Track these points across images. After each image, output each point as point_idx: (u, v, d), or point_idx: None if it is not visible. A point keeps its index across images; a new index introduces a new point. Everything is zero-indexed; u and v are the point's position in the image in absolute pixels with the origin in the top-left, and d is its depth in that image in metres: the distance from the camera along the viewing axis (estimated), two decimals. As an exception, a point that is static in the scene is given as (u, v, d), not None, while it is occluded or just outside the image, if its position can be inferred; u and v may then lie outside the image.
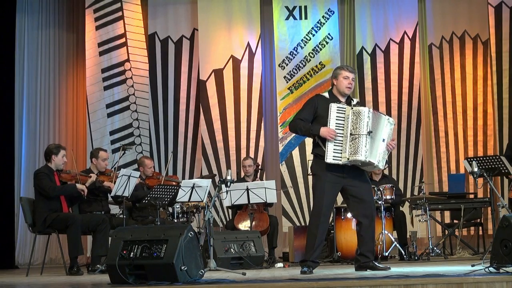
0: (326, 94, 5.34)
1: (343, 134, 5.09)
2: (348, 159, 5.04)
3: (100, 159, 6.92)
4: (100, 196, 6.88)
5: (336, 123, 5.10)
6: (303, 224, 8.94)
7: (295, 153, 9.24)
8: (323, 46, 9.36)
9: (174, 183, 7.39)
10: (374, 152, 5.09)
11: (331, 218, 6.99)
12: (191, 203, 7.34)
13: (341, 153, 5.07)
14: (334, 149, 5.08)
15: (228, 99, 9.38)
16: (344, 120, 5.09)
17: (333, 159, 5.08)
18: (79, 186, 6.55)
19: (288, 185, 8.99)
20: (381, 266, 5.26)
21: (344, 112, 5.11)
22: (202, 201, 7.08)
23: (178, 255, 4.19)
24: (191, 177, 9.20)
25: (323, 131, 5.10)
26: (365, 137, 5.02)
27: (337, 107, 5.13)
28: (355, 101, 5.31)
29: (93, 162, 6.97)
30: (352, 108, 5.11)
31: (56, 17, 9.73)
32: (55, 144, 6.91)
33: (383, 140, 5.14)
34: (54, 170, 6.58)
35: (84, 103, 9.50)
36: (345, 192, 5.27)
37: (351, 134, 5.05)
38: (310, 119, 5.22)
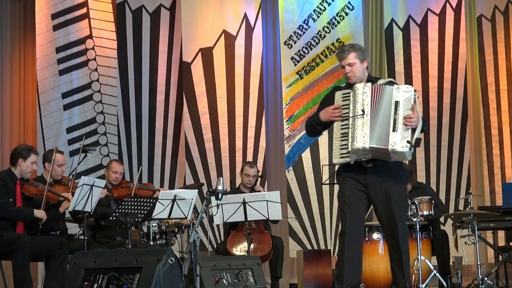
0: (344, 84, 5.44)
1: (347, 125, 5.15)
2: (350, 151, 5.10)
3: (55, 163, 6.91)
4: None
5: (343, 114, 5.17)
6: (315, 247, 8.95)
7: (306, 156, 9.25)
8: (341, 18, 9.37)
9: (149, 192, 7.39)
10: (381, 134, 5.08)
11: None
12: (172, 220, 7.34)
13: (347, 147, 5.13)
14: (341, 145, 5.15)
15: (220, 87, 9.39)
16: (348, 108, 5.17)
17: (341, 157, 5.16)
18: (37, 213, 6.51)
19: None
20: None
21: (348, 98, 5.19)
22: (186, 218, 7.09)
23: (155, 287, 4.20)
24: (171, 187, 9.20)
25: (322, 114, 5.23)
26: (361, 118, 5.07)
27: (342, 93, 5.22)
28: (376, 81, 5.29)
29: (46, 167, 6.95)
30: (353, 89, 5.18)
31: (-4, -20, 9.75)
32: (27, 145, 6.82)
33: (395, 114, 5.09)
34: (17, 177, 6.58)
35: (33, 92, 9.51)
36: (372, 203, 5.30)
37: (351, 117, 5.11)
38: None
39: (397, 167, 5.27)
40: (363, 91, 5.10)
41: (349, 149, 5.09)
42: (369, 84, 5.15)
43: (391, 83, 5.22)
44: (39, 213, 6.50)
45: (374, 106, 5.11)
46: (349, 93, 5.18)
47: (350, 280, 5.16)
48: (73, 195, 6.68)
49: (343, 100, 5.19)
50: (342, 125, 5.16)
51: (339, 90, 5.28)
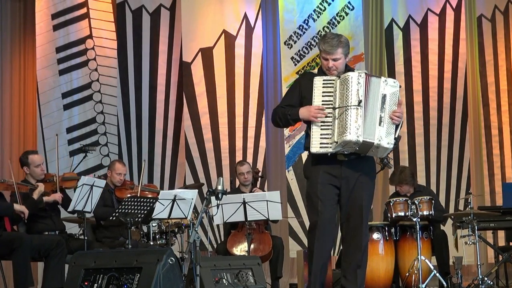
0: (315, 71, 5.26)
1: (332, 114, 4.94)
2: (337, 142, 4.87)
3: (32, 165, 6.90)
4: (49, 212, 6.88)
5: (323, 101, 4.97)
6: (316, 247, 8.95)
7: (306, 156, 9.22)
8: (341, 18, 9.37)
9: (154, 194, 7.38)
10: (370, 127, 4.89)
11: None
12: (172, 220, 7.34)
13: (330, 137, 4.93)
14: (321, 134, 4.95)
15: (220, 87, 9.39)
16: (332, 96, 4.95)
17: (321, 147, 4.95)
18: (17, 206, 6.52)
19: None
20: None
21: (332, 85, 4.97)
22: (186, 218, 7.10)
23: (155, 287, 4.20)
24: (171, 187, 9.21)
25: (302, 111, 5.00)
26: (355, 110, 4.85)
27: (323, 80, 4.99)
28: (355, 72, 5.05)
29: (25, 171, 6.96)
30: (339, 78, 4.96)
31: (-3, -21, 9.75)
32: None
33: (382, 108, 4.93)
34: None
35: (33, 92, 9.50)
36: (340, 197, 5.10)
37: (338, 108, 4.89)
38: (296, 105, 5.11)
39: (370, 162, 5.14)
40: (357, 81, 4.88)
41: (335, 139, 4.87)
42: (363, 74, 4.93)
43: (368, 75, 5.03)
44: (19, 207, 6.51)
45: (366, 98, 4.91)
46: (333, 80, 4.98)
47: (316, 278, 5.04)
48: (60, 190, 6.79)
49: (323, 87, 4.98)
50: (324, 119, 4.95)
51: (317, 76, 5.04)
